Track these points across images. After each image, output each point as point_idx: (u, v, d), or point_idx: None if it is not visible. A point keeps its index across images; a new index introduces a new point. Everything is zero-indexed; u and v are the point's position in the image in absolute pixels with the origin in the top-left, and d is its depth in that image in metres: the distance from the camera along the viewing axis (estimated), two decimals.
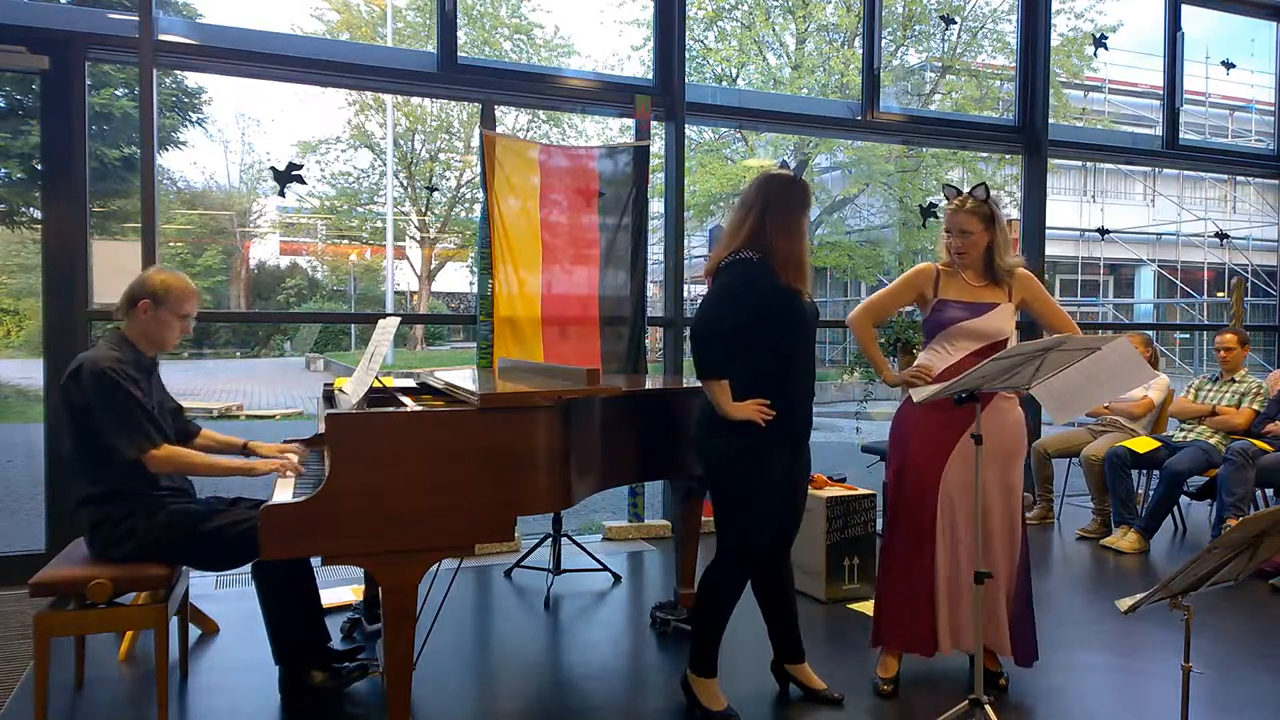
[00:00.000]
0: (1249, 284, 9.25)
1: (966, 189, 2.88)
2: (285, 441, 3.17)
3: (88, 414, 2.51)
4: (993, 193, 2.88)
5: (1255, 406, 4.81)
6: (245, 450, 2.91)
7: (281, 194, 6.37)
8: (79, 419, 2.53)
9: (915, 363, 2.93)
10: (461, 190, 21.55)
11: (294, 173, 4.41)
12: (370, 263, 23.82)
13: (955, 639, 2.86)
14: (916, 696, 2.84)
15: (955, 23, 16.02)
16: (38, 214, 10.16)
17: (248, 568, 2.77)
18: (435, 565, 2.37)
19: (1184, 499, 4.97)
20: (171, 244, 20.87)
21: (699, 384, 2.59)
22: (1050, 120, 5.92)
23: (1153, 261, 20.11)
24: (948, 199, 2.91)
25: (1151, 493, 4.84)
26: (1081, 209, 19.02)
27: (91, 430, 2.52)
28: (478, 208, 7.34)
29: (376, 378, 2.66)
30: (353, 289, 23.88)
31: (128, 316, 2.70)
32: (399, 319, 3.02)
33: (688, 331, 2.69)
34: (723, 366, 2.53)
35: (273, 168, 4.44)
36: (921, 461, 2.84)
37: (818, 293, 2.88)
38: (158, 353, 2.79)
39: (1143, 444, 4.87)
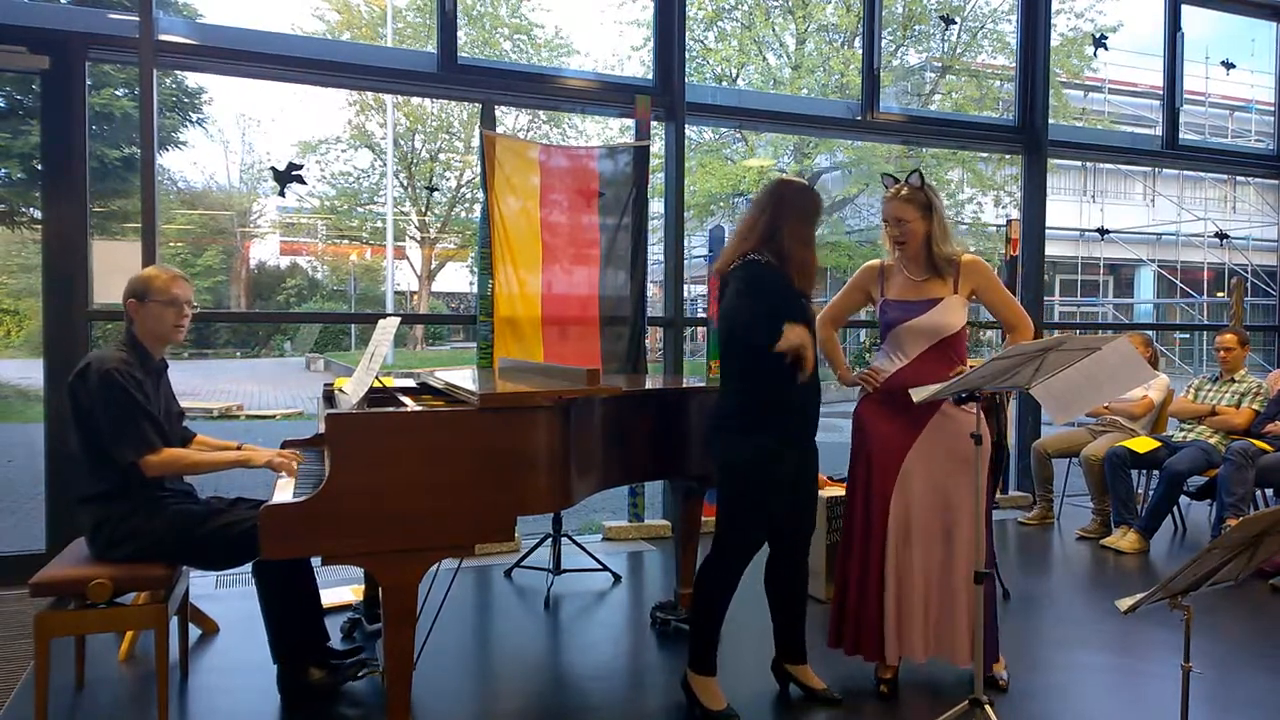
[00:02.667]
0: (1249, 284, 9.26)
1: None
2: (283, 444, 3.17)
3: (92, 415, 2.53)
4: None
5: (1255, 406, 4.81)
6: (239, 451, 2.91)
7: (281, 194, 6.38)
8: (84, 419, 2.55)
9: (869, 364, 2.94)
10: (461, 190, 21.57)
11: (294, 173, 4.41)
12: (370, 263, 23.83)
13: (905, 646, 2.80)
14: (916, 696, 2.84)
15: (955, 23, 16.01)
16: (38, 214, 10.17)
17: (248, 567, 2.77)
18: (435, 565, 2.37)
19: (1184, 499, 4.97)
20: (172, 244, 20.87)
21: (699, 384, 2.58)
22: (1050, 120, 5.93)
23: (1153, 261, 20.10)
24: (886, 188, 2.87)
25: (1151, 493, 4.84)
26: (1081, 209, 19.01)
27: (95, 431, 2.53)
28: (478, 208, 7.34)
29: (376, 378, 2.66)
30: (353, 289, 23.88)
31: (128, 320, 2.73)
32: (399, 319, 3.02)
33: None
34: (776, 330, 2.41)
35: (273, 168, 4.45)
36: (876, 465, 2.82)
37: (818, 293, 2.89)
38: (165, 349, 2.80)
39: (1143, 444, 4.87)
